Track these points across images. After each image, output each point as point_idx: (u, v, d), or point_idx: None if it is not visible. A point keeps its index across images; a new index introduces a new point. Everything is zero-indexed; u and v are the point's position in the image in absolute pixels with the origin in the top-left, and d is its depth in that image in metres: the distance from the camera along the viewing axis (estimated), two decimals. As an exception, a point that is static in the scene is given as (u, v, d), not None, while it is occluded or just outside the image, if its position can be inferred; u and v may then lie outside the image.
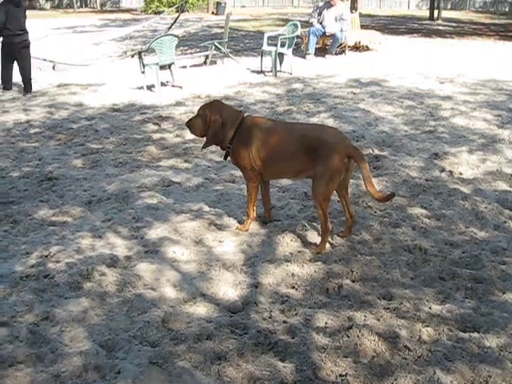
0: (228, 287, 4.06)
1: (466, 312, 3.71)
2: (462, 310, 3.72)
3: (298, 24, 13.06)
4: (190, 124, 4.89)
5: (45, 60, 12.95)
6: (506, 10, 44.15)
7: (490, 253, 4.53)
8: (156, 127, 8.26)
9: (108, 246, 4.63)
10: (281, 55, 12.41)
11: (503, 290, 3.99)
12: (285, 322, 3.63)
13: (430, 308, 3.77)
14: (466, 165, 6.51)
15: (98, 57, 15.02)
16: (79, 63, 13.55)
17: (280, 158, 4.63)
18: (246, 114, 4.90)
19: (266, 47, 12.70)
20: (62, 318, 3.62)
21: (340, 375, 3.14)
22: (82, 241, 4.74)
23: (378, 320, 3.64)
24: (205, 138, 4.86)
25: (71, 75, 12.29)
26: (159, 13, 26.31)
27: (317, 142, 4.44)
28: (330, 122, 8.25)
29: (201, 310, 3.79)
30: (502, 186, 5.95)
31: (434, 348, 3.35)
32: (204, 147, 4.98)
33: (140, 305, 3.78)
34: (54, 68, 12.97)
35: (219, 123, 4.69)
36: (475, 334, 3.48)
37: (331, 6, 14.11)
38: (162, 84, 10.91)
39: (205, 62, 13.38)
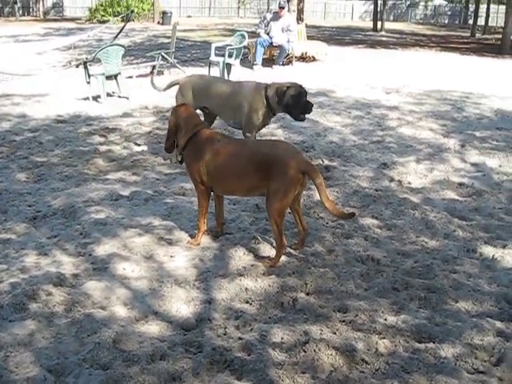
0: (181, 304, 3.95)
1: (420, 322, 3.72)
2: (417, 321, 3.73)
3: (246, 34, 13.09)
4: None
5: (-15, 70, 12.54)
6: (446, 22, 45.57)
7: (441, 262, 4.59)
8: (103, 139, 8.07)
9: (54, 264, 4.45)
10: (228, 66, 12.39)
11: (456, 299, 4.03)
12: (240, 338, 3.55)
13: (386, 319, 3.76)
14: (414, 174, 6.61)
15: (42, 66, 14.64)
16: (22, 73, 13.17)
17: (230, 175, 4.57)
18: (204, 128, 4.82)
19: (213, 57, 12.67)
20: (6, 342, 3.43)
21: (298, 392, 3.08)
22: (27, 259, 4.54)
23: (335, 333, 3.61)
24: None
25: (13, 85, 11.92)
26: (104, 22, 26.00)
27: (271, 159, 4.35)
28: (279, 133, 8.26)
29: (153, 328, 3.67)
30: (450, 194, 6.06)
31: (391, 360, 3.33)
32: (165, 146, 5.01)
33: (89, 325, 3.63)
34: (-6, 78, 12.58)
35: (171, 125, 4.83)
36: (431, 345, 3.49)
37: (279, 17, 14.19)
38: (108, 95, 10.70)
39: (151, 72, 13.19)
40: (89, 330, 3.58)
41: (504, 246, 4.89)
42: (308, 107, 6.25)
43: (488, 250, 4.82)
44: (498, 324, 3.71)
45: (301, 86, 6.24)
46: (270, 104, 6.26)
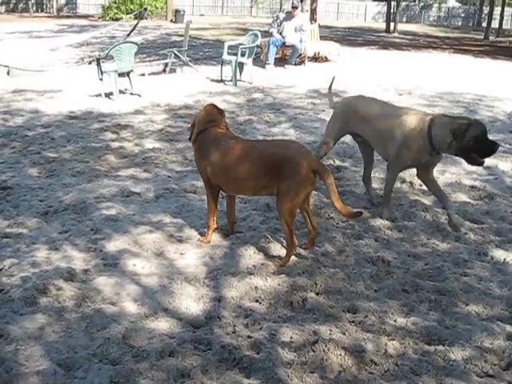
0: (190, 301, 3.96)
1: (430, 324, 3.70)
2: (427, 323, 3.72)
3: (259, 34, 13.07)
4: None
5: (-1, 65, 12.61)
6: (459, 24, 45.37)
7: (452, 264, 4.56)
8: (115, 136, 8.09)
9: (65, 259, 4.47)
10: (241, 64, 12.39)
11: (466, 302, 4.01)
12: (249, 336, 3.55)
13: (395, 321, 3.75)
14: (425, 176, 6.56)
15: (55, 63, 14.71)
16: (35, 69, 13.24)
17: (238, 176, 4.54)
18: (215, 126, 4.72)
19: (226, 56, 12.66)
20: (17, 335, 3.46)
21: (307, 392, 3.08)
22: (38, 253, 4.56)
23: (344, 334, 3.60)
24: None
25: (27, 81, 11.98)
26: (117, 19, 26.10)
27: (281, 159, 4.32)
28: (291, 133, 8.25)
29: (163, 325, 3.68)
30: (462, 197, 6.03)
31: (400, 362, 3.32)
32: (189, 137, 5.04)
33: (99, 320, 3.65)
34: (8, 73, 12.63)
35: (192, 120, 4.87)
36: (440, 347, 3.47)
37: (292, 16, 14.18)
38: (121, 92, 10.73)
39: (164, 70, 13.24)
40: (99, 325, 3.60)
41: (515, 250, 4.86)
42: (493, 149, 4.88)
43: (499, 254, 4.79)
44: (509, 328, 3.69)
45: (479, 122, 4.99)
46: (434, 143, 4.98)
